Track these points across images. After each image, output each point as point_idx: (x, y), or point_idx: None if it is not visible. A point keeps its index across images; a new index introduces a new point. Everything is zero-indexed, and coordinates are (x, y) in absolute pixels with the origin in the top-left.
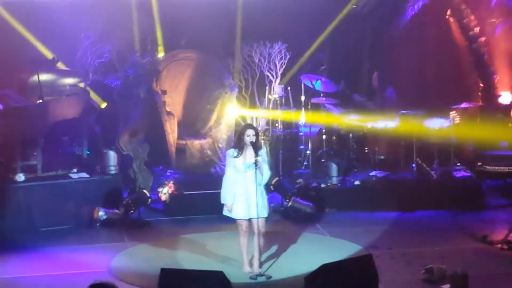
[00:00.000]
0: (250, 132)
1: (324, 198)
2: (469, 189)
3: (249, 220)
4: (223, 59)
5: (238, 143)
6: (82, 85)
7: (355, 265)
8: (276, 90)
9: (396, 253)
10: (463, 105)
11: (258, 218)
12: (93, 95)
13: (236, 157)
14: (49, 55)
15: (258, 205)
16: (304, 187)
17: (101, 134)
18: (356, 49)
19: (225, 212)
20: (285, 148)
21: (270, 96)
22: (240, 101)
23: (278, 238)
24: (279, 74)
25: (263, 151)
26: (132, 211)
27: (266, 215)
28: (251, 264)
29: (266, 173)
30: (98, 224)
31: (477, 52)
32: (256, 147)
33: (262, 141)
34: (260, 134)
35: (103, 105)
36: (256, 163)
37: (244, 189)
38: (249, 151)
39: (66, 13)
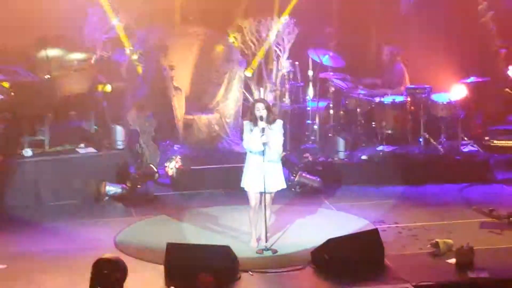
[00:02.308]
0: (260, 106)
1: (331, 172)
2: (477, 163)
3: (260, 194)
4: (230, 34)
5: (250, 117)
6: (90, 60)
7: (361, 239)
8: (284, 65)
9: (403, 227)
10: (471, 79)
11: (266, 192)
12: None
13: (252, 130)
14: (57, 30)
15: (267, 179)
16: (311, 161)
17: (109, 109)
18: (365, 24)
19: (242, 184)
20: (292, 123)
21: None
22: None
23: (284, 212)
24: (287, 49)
25: (277, 125)
26: (139, 186)
27: (278, 189)
28: (259, 239)
29: (275, 146)
30: (105, 199)
31: (485, 26)
32: (267, 121)
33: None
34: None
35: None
36: (263, 130)
37: (256, 162)
38: (261, 125)
39: None
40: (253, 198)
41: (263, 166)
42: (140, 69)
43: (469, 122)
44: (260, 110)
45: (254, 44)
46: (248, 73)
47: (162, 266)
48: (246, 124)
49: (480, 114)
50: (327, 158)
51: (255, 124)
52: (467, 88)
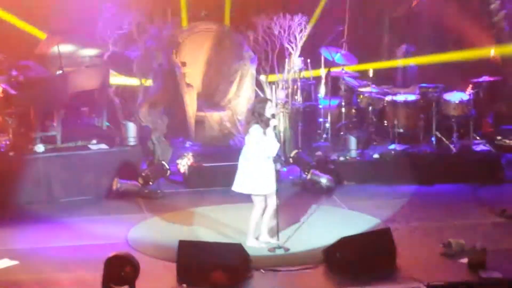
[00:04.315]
0: (270, 104)
1: (343, 171)
2: (488, 163)
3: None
4: (242, 31)
5: (259, 118)
6: (102, 56)
7: (373, 238)
8: (296, 62)
9: (415, 227)
10: (483, 78)
11: (271, 192)
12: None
13: (264, 133)
14: (69, 26)
15: (270, 180)
16: (323, 159)
17: (121, 106)
18: (377, 22)
19: (258, 191)
20: (304, 120)
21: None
22: (259, 73)
23: (296, 211)
24: (299, 46)
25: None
26: (151, 183)
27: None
28: (257, 238)
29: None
30: (117, 195)
31: (497, 25)
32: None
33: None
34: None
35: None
36: (275, 128)
37: (268, 164)
38: (273, 123)
39: None
40: (263, 200)
41: (272, 165)
42: (152, 66)
43: (481, 121)
44: (272, 108)
45: (266, 41)
46: (263, 77)
47: (174, 263)
48: (257, 128)
49: (492, 114)
50: (338, 157)
51: (266, 125)
52: (479, 87)
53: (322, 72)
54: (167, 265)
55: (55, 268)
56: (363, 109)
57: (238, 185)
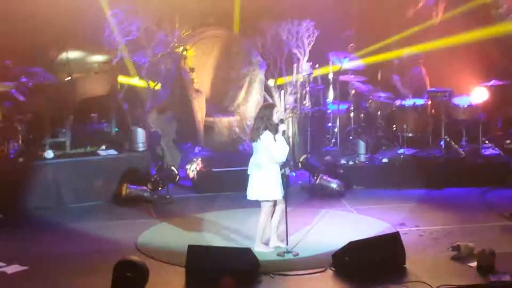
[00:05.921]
0: (276, 109)
1: (352, 175)
2: (498, 167)
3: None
4: (251, 36)
5: (267, 124)
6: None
7: (382, 242)
8: (304, 68)
9: (424, 230)
10: (492, 82)
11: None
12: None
13: (275, 140)
14: (77, 32)
15: (279, 185)
16: (332, 164)
17: (129, 111)
18: (385, 27)
19: (273, 197)
20: (313, 125)
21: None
22: (268, 78)
23: (305, 215)
24: (307, 51)
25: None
26: (160, 188)
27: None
28: (266, 243)
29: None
30: (126, 201)
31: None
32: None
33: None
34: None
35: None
36: (284, 132)
37: (278, 169)
38: (282, 128)
39: None
40: (272, 205)
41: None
42: (160, 72)
43: (490, 125)
44: (279, 113)
45: (275, 47)
46: (271, 82)
47: (183, 268)
48: (268, 135)
49: (501, 117)
50: (347, 161)
51: (275, 130)
52: (488, 91)
53: (330, 75)
54: (177, 270)
55: (64, 273)
56: (372, 114)
57: (253, 193)
